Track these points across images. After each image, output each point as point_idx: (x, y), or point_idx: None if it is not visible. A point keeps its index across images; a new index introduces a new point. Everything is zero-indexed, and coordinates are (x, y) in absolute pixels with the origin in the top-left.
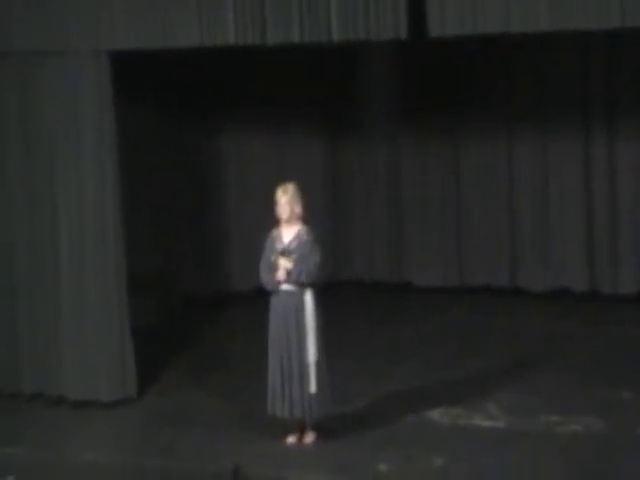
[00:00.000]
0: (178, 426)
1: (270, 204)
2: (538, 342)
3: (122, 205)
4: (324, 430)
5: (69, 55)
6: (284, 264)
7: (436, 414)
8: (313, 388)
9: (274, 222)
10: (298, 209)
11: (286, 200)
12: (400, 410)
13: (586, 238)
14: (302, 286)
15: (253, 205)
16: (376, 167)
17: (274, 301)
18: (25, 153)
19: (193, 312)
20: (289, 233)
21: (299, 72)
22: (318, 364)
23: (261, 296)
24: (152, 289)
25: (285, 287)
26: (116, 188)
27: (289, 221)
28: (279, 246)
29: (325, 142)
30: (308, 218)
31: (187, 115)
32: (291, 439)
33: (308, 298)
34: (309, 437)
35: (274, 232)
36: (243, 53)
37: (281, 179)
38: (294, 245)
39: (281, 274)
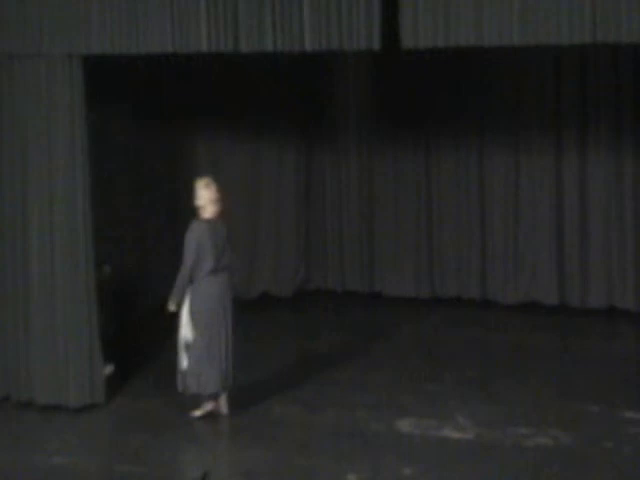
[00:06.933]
0: (146, 431)
1: (244, 208)
2: (508, 354)
3: (94, 210)
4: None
5: (42, 58)
6: None
7: (406, 425)
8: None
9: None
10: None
11: None
12: (370, 420)
13: (557, 252)
14: None
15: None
16: (349, 177)
17: None
18: None
19: (165, 318)
20: None
21: (273, 81)
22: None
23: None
24: (124, 294)
25: None
26: (87, 192)
27: None
28: None
29: (298, 151)
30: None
31: (160, 121)
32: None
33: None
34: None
35: None
36: (218, 61)
37: (254, 187)
38: None
39: None
